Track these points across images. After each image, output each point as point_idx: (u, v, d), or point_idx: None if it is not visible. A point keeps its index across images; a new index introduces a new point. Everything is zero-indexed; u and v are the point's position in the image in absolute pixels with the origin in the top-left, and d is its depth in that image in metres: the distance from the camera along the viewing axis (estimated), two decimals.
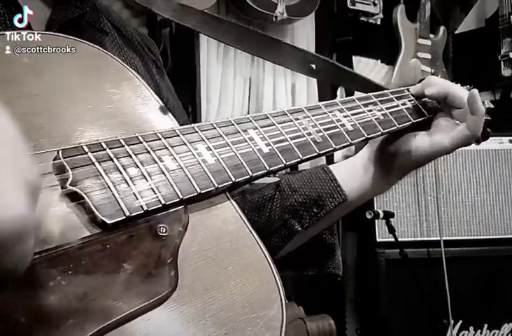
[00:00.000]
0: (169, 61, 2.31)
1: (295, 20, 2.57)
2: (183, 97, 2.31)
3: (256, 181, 0.68)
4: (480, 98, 0.76)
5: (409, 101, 0.83)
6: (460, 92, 0.79)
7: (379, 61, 3.09)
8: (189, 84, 2.43)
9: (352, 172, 0.83)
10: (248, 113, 2.71)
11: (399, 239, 2.25)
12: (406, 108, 0.81)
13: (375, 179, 0.83)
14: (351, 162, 0.86)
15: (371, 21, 3.03)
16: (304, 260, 0.86)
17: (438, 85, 0.80)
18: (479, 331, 2.35)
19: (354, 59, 2.97)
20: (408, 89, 0.84)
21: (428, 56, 3.04)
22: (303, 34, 2.77)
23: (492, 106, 0.82)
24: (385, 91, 0.82)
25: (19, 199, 0.33)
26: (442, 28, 3.15)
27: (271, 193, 0.82)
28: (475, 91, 0.76)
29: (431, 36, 3.09)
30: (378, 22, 3.08)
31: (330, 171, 0.82)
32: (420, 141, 0.79)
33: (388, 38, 3.05)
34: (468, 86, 0.82)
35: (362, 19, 2.97)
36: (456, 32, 3.22)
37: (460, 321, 2.33)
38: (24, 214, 0.33)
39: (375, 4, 2.88)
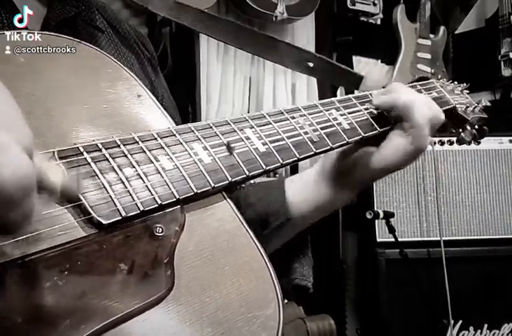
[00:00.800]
0: (169, 60, 2.30)
1: (295, 20, 2.57)
2: (183, 96, 2.31)
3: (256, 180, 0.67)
4: (416, 107, 0.71)
5: None
6: (405, 103, 0.72)
7: (379, 61, 3.09)
8: (189, 83, 2.43)
9: (301, 186, 0.81)
10: (248, 112, 2.70)
11: (399, 239, 2.24)
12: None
13: (329, 193, 0.79)
14: (303, 176, 0.83)
15: (371, 21, 3.03)
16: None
17: (389, 94, 0.75)
18: (479, 331, 2.35)
19: (354, 59, 2.97)
20: None
21: (428, 56, 3.04)
22: (303, 34, 2.77)
23: (488, 104, 0.81)
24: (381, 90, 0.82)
25: (22, 160, 0.37)
26: (442, 28, 3.14)
27: None
28: (412, 101, 0.71)
29: (431, 36, 3.09)
30: (378, 22, 3.08)
31: (283, 187, 0.80)
32: (374, 155, 0.74)
33: (388, 38, 3.05)
34: (464, 84, 0.82)
35: (362, 19, 2.97)
36: (456, 32, 3.22)
37: (460, 321, 2.32)
38: (27, 172, 0.37)
39: (375, 4, 2.88)
